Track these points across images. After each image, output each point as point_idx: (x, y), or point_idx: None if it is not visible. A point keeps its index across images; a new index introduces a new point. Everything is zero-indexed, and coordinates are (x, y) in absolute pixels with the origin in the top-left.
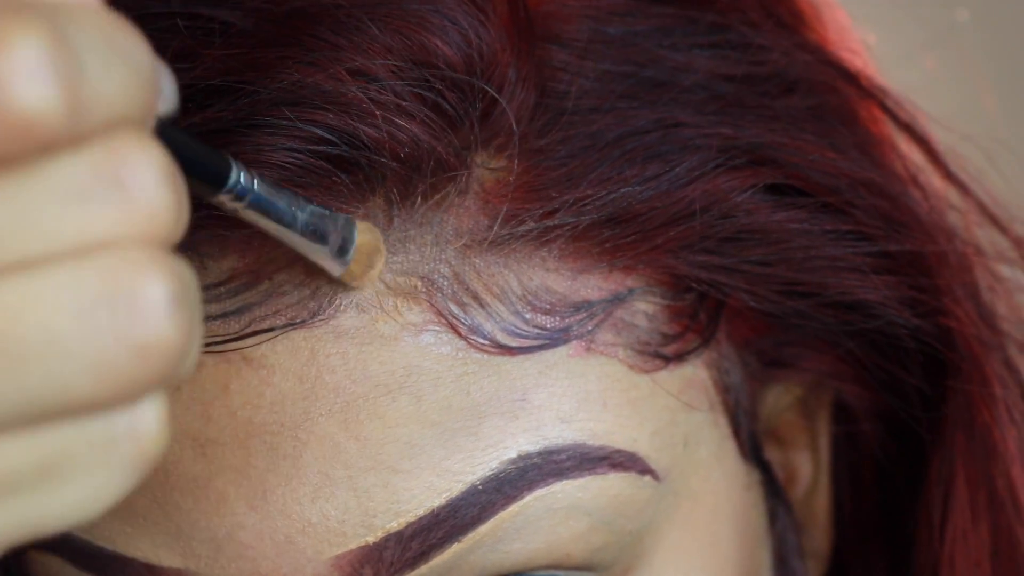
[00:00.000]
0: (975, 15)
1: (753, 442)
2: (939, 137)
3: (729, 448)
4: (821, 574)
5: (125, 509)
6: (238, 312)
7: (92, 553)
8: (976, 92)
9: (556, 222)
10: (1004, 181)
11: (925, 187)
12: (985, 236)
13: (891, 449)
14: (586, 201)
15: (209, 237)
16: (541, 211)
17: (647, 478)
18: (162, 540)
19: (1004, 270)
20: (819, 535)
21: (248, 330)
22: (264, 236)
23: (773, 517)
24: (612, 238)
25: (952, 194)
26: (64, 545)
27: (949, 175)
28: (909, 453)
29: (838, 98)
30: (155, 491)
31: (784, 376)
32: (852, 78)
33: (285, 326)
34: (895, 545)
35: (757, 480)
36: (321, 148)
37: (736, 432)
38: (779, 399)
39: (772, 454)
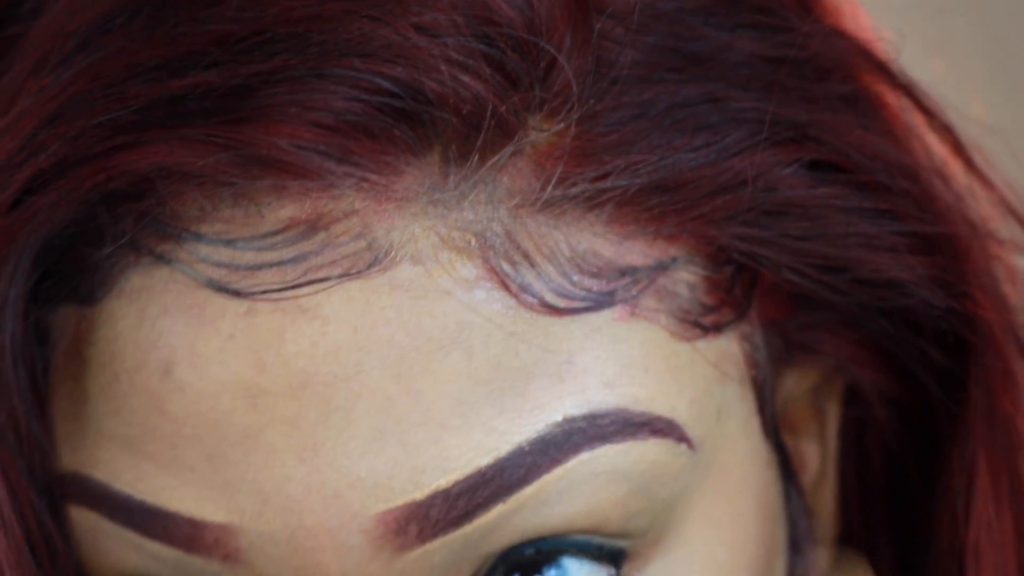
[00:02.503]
0: (972, 22)
1: (773, 423)
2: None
3: (754, 425)
4: (830, 561)
5: (172, 462)
6: (294, 261)
7: (132, 508)
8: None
9: (607, 185)
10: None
11: (949, 178)
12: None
13: (903, 437)
14: (637, 166)
15: (266, 186)
16: (593, 174)
17: (683, 446)
18: (207, 494)
19: (1020, 262)
20: (825, 523)
21: (304, 279)
22: (321, 187)
23: (786, 499)
24: (659, 205)
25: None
26: (104, 500)
27: (971, 167)
28: (922, 441)
29: (869, 86)
30: (204, 442)
31: (803, 361)
32: (884, 68)
33: (340, 276)
34: (903, 533)
35: (775, 460)
36: (385, 100)
37: (761, 409)
38: (795, 385)
39: (784, 439)
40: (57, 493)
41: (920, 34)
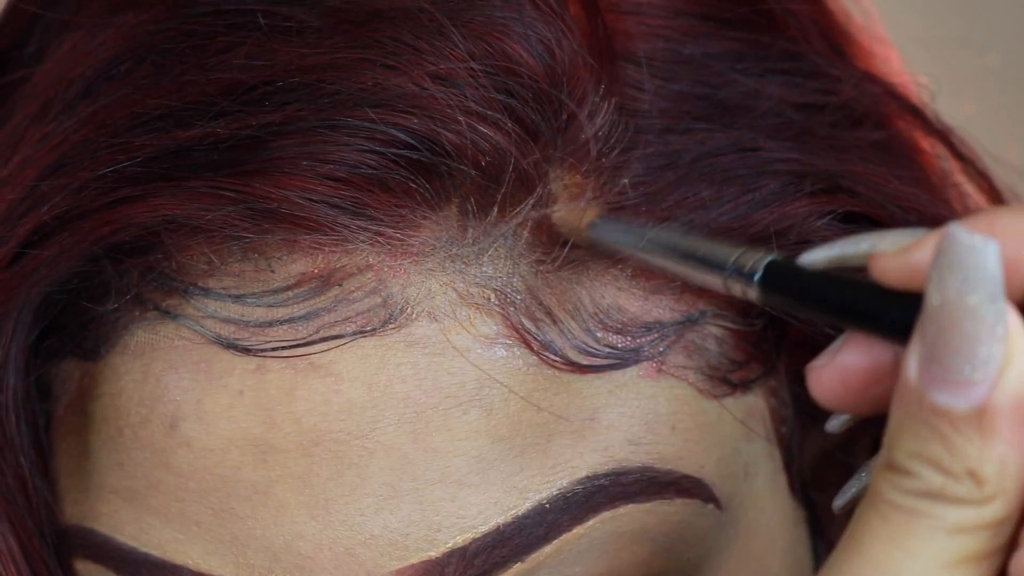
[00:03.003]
0: (1007, 60)
1: (801, 478)
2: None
3: (781, 482)
4: None
5: (177, 515)
6: (306, 318)
7: (137, 561)
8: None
9: None
10: None
11: None
12: None
13: None
14: (662, 222)
15: (277, 241)
16: None
17: (710, 506)
18: (215, 548)
19: None
20: None
21: (316, 336)
22: (334, 242)
23: (815, 556)
24: None
25: None
26: (108, 553)
27: None
28: None
29: (903, 133)
30: (211, 497)
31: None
32: (918, 113)
33: (355, 333)
34: None
35: (803, 517)
36: (401, 152)
37: (788, 466)
38: (823, 440)
39: (813, 495)
40: (63, 547)
41: (953, 74)
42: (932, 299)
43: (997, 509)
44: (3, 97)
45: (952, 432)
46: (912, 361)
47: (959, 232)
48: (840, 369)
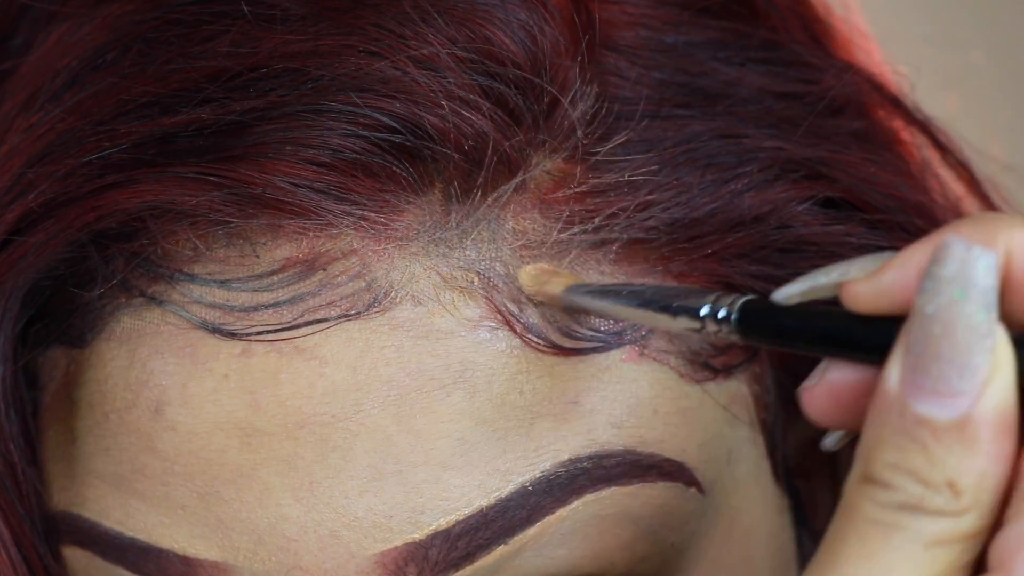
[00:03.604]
0: (990, 57)
1: (786, 466)
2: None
3: (765, 468)
4: None
5: (163, 499)
6: (291, 302)
7: (123, 545)
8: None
9: (613, 228)
10: None
11: (965, 215)
12: None
13: None
14: (646, 206)
15: (262, 226)
16: (599, 215)
17: (693, 490)
18: (200, 531)
19: None
20: None
21: (301, 320)
22: (319, 227)
23: (799, 544)
24: (669, 244)
25: None
26: (95, 538)
27: (989, 204)
28: None
29: (883, 122)
30: (196, 480)
31: None
32: (898, 103)
33: (339, 317)
34: None
35: (787, 505)
36: (384, 136)
37: (771, 453)
38: (807, 429)
39: (797, 483)
40: (51, 533)
41: (935, 68)
42: (925, 308)
43: (972, 521)
44: None
45: (933, 442)
46: (893, 373)
47: (956, 242)
48: (830, 387)
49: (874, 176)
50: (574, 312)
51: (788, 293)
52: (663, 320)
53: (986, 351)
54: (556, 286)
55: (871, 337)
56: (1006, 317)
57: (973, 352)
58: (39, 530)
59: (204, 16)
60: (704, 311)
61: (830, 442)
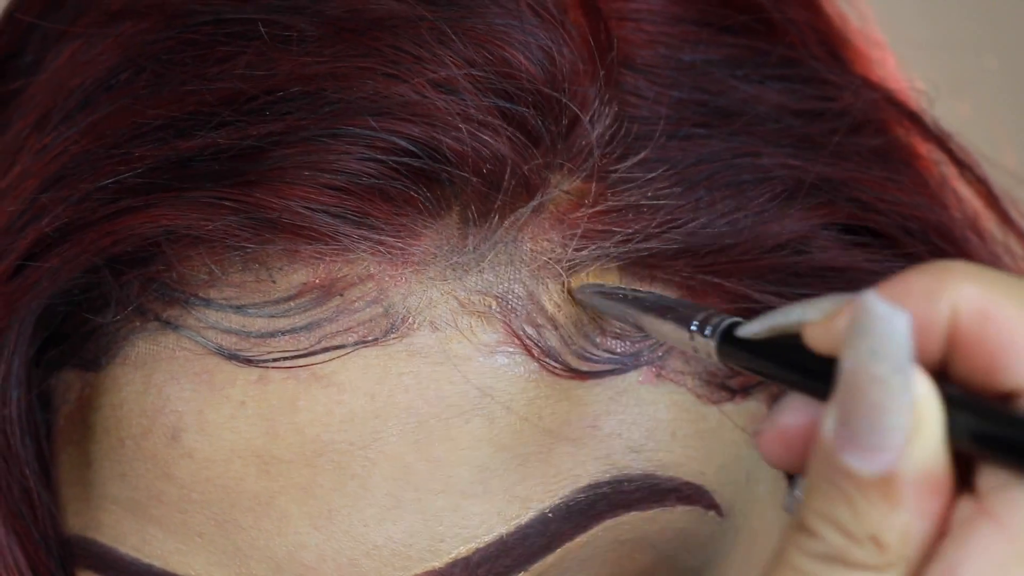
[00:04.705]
0: (1004, 62)
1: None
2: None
3: (782, 488)
4: None
5: (180, 526)
6: (308, 328)
7: (140, 572)
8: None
9: (631, 248)
10: None
11: (984, 233)
12: None
13: None
14: (663, 227)
15: (278, 251)
16: (617, 237)
17: (712, 513)
18: (217, 559)
19: None
20: None
21: (318, 346)
22: (335, 251)
23: None
24: (687, 265)
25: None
26: (111, 564)
27: (1008, 220)
28: None
29: (901, 138)
30: (213, 508)
31: None
32: (917, 119)
33: (357, 343)
34: None
35: None
36: (403, 160)
37: (790, 474)
38: None
39: None
40: (66, 557)
41: (950, 77)
42: (845, 363)
43: None
44: (0, 107)
45: (858, 495)
46: (828, 421)
47: (870, 300)
48: (780, 431)
49: (893, 196)
50: (590, 310)
51: (749, 332)
52: (657, 325)
53: (903, 409)
54: (576, 282)
55: (825, 376)
56: (951, 374)
57: (888, 410)
58: (55, 555)
59: (219, 37)
60: (693, 326)
61: (786, 504)
